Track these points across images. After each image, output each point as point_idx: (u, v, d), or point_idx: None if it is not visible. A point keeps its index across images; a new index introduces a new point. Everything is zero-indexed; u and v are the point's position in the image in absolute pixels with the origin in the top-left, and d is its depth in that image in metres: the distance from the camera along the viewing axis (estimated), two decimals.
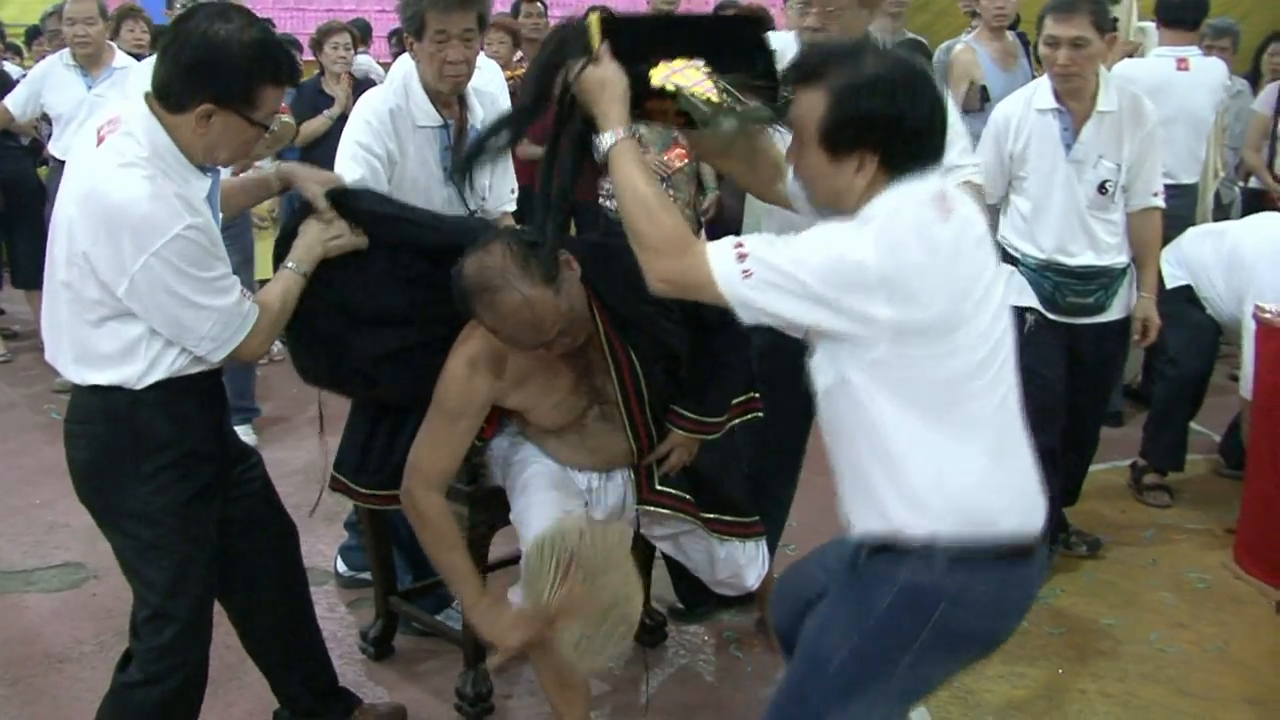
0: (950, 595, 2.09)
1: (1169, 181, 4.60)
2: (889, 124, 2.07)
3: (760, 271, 2.04)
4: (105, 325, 2.43)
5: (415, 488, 2.79)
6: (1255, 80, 6.81)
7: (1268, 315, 4.10)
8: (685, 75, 2.23)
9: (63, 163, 5.83)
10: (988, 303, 2.11)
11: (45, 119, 6.32)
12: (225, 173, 2.84)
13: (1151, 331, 4.02)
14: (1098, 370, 4.12)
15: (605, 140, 2.22)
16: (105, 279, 2.36)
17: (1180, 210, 5.07)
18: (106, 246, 2.33)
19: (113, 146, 2.36)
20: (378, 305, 2.86)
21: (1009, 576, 2.15)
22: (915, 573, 2.09)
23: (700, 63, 2.24)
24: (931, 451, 2.08)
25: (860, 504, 2.17)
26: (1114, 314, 4.01)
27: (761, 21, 2.41)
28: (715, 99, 2.20)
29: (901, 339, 2.03)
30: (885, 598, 2.11)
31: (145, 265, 2.32)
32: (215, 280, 2.43)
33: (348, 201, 2.82)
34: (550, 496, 2.88)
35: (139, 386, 2.46)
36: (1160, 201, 3.97)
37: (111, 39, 6.13)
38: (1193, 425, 4.94)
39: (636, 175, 2.19)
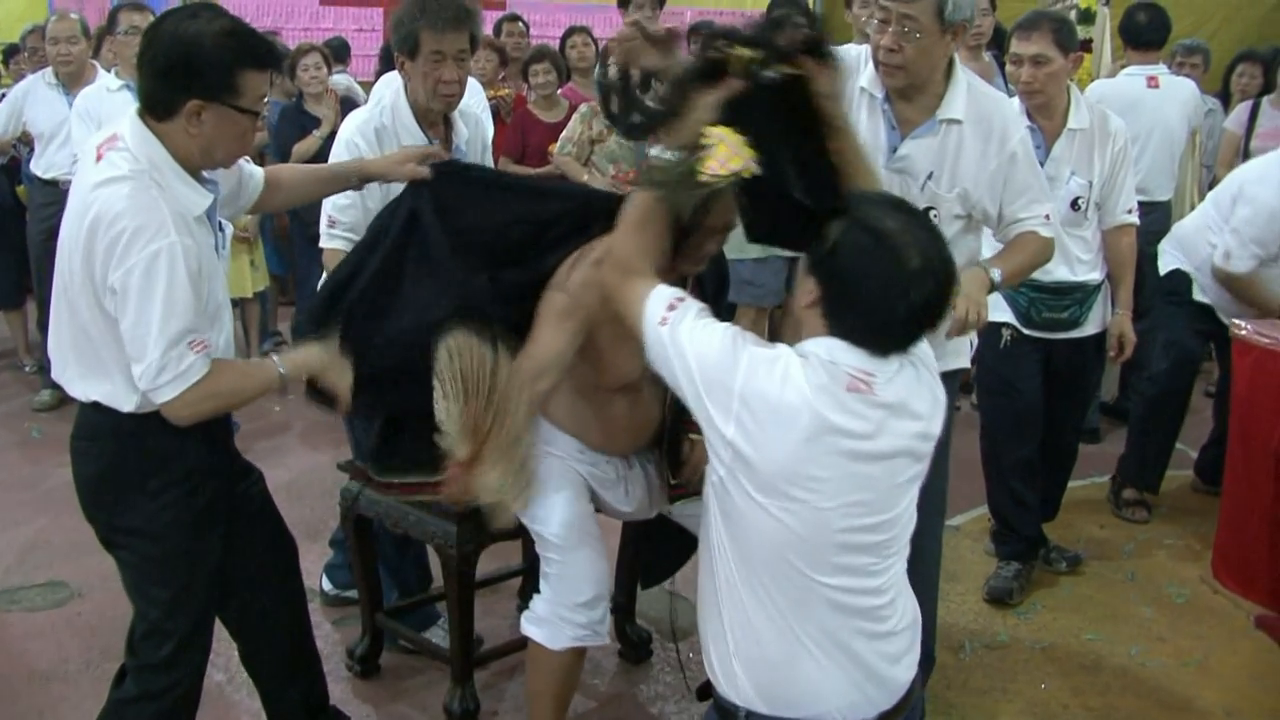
0: None
1: (1143, 198, 4.66)
2: (844, 281, 2.07)
3: (670, 330, 2.14)
4: (104, 349, 2.43)
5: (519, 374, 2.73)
6: (1226, 99, 6.90)
7: (1243, 332, 4.16)
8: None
9: (45, 181, 5.88)
10: (835, 493, 2.05)
11: (23, 139, 6.30)
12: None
13: (1127, 348, 4.06)
14: (1074, 384, 4.17)
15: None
16: (96, 292, 2.38)
17: (1155, 226, 5.12)
18: (100, 258, 2.34)
19: (109, 162, 2.38)
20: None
21: None
22: None
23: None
24: (744, 615, 2.12)
25: (703, 637, 2.24)
26: (1089, 329, 4.07)
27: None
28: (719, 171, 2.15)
29: (737, 467, 2.06)
30: None
31: (127, 270, 2.32)
32: (174, 321, 2.33)
33: (445, 169, 2.89)
34: (564, 496, 2.87)
35: (137, 413, 2.46)
36: (1134, 219, 4.04)
37: (93, 57, 6.13)
38: None
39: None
